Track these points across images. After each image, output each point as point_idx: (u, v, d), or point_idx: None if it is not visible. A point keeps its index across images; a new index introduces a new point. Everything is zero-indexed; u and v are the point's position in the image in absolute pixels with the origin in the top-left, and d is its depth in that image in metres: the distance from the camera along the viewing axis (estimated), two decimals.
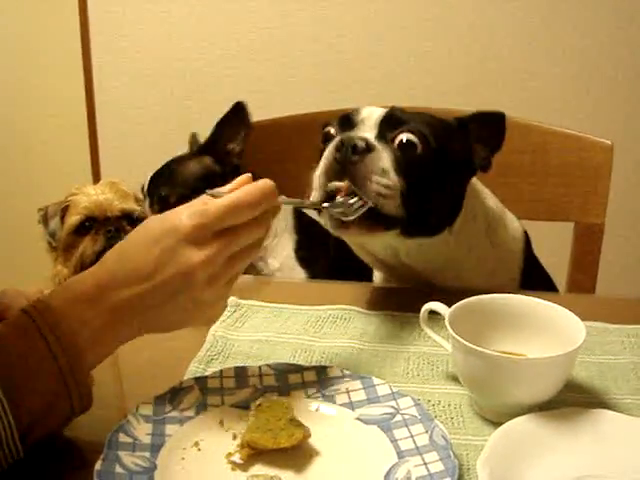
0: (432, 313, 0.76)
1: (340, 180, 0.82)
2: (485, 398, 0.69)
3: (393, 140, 0.85)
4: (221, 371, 0.73)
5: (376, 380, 0.71)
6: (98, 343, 0.62)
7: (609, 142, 1.19)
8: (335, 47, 1.96)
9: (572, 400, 0.70)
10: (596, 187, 1.20)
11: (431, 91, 1.90)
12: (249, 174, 0.66)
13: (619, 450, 0.61)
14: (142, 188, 1.22)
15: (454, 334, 0.67)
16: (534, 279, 1.02)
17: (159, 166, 1.21)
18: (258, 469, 0.61)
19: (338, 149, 0.83)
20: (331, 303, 0.92)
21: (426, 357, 0.80)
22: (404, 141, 0.85)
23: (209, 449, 0.63)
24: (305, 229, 1.20)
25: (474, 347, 0.65)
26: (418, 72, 1.93)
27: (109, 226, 1.38)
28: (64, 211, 1.44)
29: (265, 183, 0.65)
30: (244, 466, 0.61)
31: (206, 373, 0.73)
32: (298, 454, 0.62)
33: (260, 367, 0.73)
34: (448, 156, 0.88)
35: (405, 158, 0.84)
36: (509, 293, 0.76)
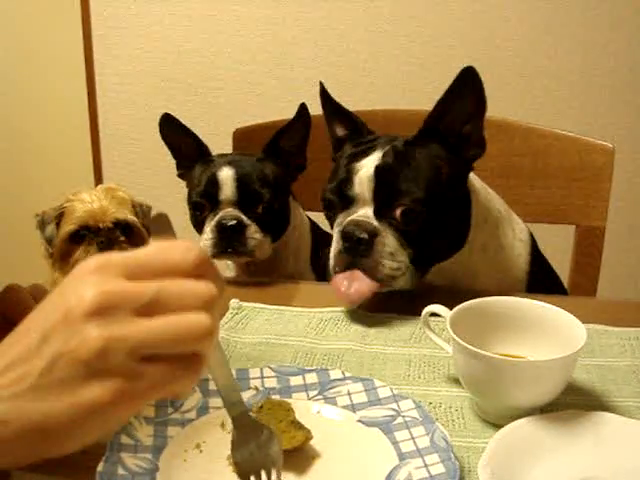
0: (433, 315, 0.76)
1: (351, 267, 0.86)
2: (486, 400, 0.69)
3: (393, 216, 0.87)
4: None
5: (377, 382, 0.71)
6: None
7: (610, 145, 1.19)
8: (336, 49, 1.96)
9: (573, 403, 0.70)
10: (597, 190, 1.20)
11: (431, 92, 1.89)
12: None
13: (620, 453, 0.62)
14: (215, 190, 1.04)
15: (455, 336, 0.67)
16: (540, 281, 1.02)
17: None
18: None
19: (345, 239, 0.86)
20: (333, 305, 0.92)
21: (427, 359, 0.80)
22: (404, 213, 0.86)
23: (211, 451, 0.63)
24: (320, 236, 1.19)
25: (475, 349, 0.65)
26: (418, 74, 1.94)
27: (101, 237, 1.38)
28: (60, 217, 1.44)
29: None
30: None
31: (208, 375, 0.74)
32: (300, 456, 0.62)
33: (262, 369, 0.74)
34: (445, 189, 0.89)
35: (408, 228, 0.86)
36: (513, 295, 0.77)
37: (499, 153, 1.19)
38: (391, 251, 0.85)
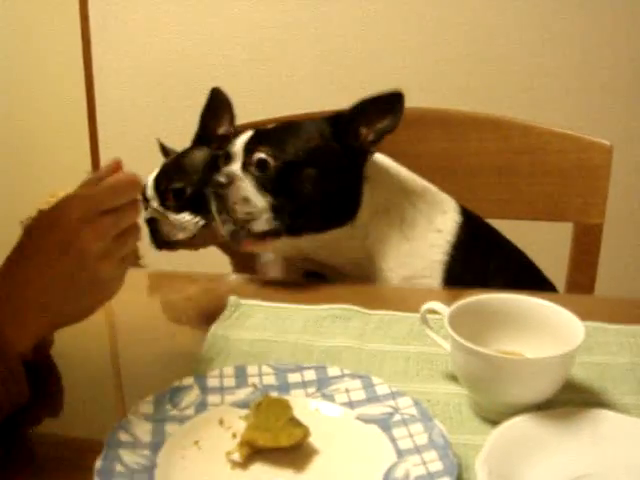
0: (431, 313, 0.76)
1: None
2: (484, 398, 0.69)
3: (251, 164, 0.96)
4: (221, 370, 0.73)
5: (375, 379, 0.71)
6: (23, 341, 0.68)
7: (608, 143, 1.19)
8: (335, 47, 1.96)
9: (571, 400, 0.70)
10: (595, 188, 1.20)
11: (431, 91, 1.89)
12: (118, 159, 0.75)
13: (617, 450, 0.62)
14: (143, 191, 1.16)
15: (453, 334, 0.67)
16: (462, 271, 1.01)
17: (157, 165, 1.21)
18: (257, 468, 0.61)
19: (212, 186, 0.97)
20: (331, 302, 0.92)
21: (425, 357, 0.80)
22: (258, 160, 0.95)
23: (209, 448, 0.63)
24: None
25: (473, 347, 0.65)
26: (418, 72, 1.94)
27: None
28: None
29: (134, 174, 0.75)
30: (244, 465, 0.61)
31: (206, 372, 0.74)
32: (298, 453, 0.62)
33: (260, 366, 0.74)
34: (314, 160, 0.96)
35: (263, 176, 0.95)
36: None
37: (497, 151, 1.19)
38: (244, 196, 0.94)
